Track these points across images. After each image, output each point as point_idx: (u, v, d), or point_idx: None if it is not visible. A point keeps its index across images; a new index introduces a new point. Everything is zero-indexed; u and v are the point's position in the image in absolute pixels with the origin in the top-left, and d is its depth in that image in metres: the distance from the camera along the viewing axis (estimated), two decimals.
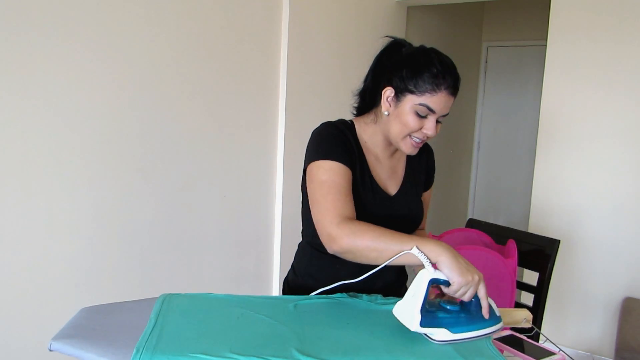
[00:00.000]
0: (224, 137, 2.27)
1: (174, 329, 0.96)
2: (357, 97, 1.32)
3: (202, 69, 2.12)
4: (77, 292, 1.75)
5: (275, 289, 2.62)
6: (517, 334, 1.13)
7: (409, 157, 1.36)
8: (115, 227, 1.85)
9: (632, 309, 2.56)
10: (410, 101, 1.16)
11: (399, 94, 1.18)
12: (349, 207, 1.14)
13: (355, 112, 1.34)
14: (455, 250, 1.04)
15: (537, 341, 1.26)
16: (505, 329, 1.16)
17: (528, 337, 1.13)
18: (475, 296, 1.04)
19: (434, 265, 1.03)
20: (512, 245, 1.92)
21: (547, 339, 1.39)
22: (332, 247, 1.11)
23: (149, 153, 1.94)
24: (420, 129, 1.17)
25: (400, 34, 3.27)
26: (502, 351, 1.04)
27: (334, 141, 1.20)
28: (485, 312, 1.02)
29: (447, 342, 0.98)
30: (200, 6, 2.07)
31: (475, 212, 5.16)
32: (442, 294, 1.10)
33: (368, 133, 1.28)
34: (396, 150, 1.32)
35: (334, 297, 1.18)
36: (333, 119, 1.34)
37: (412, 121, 1.16)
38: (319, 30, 2.66)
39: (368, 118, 1.29)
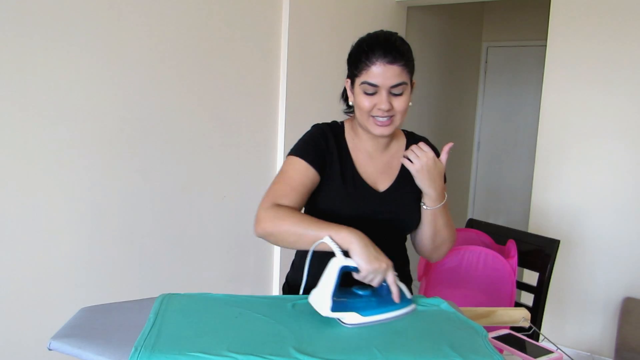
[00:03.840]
0: (224, 137, 2.27)
1: (173, 328, 0.97)
2: (341, 100, 1.37)
3: (202, 68, 2.12)
4: (77, 291, 1.75)
5: (275, 289, 2.62)
6: (515, 333, 1.13)
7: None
8: (115, 227, 1.86)
9: (632, 309, 2.56)
10: (357, 84, 1.22)
11: (352, 82, 1.25)
12: (288, 199, 1.19)
13: (350, 115, 1.37)
14: (367, 238, 1.08)
15: (537, 341, 1.26)
16: (503, 327, 1.16)
17: (527, 336, 1.13)
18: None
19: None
20: (512, 245, 1.92)
21: (545, 337, 1.39)
22: (256, 229, 1.15)
23: (149, 153, 1.95)
24: (375, 107, 1.20)
25: (400, 34, 3.26)
26: (501, 350, 1.04)
27: (308, 141, 1.28)
28: (395, 297, 1.08)
29: (359, 324, 1.03)
30: (200, 6, 2.08)
31: (475, 212, 5.16)
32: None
33: (355, 131, 1.32)
34: (389, 144, 1.33)
35: None
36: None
37: (363, 101, 1.20)
38: (319, 30, 2.66)
39: (354, 116, 1.32)
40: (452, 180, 4.75)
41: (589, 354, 2.86)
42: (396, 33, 1.24)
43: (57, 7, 1.59)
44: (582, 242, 2.82)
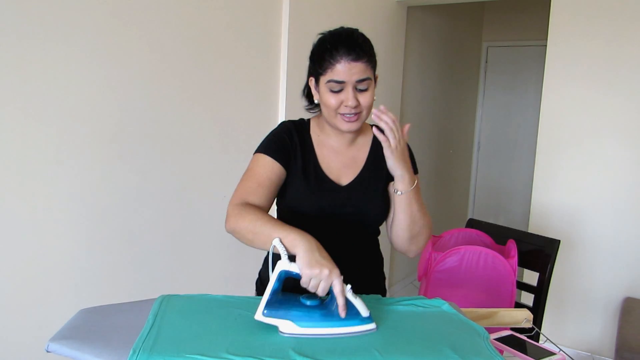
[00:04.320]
0: (224, 137, 2.27)
1: (171, 329, 0.96)
2: (302, 97, 1.38)
3: (202, 69, 2.12)
4: (76, 293, 1.75)
5: None
6: (517, 334, 1.13)
7: (373, 146, 1.35)
8: (114, 228, 1.85)
9: (632, 309, 2.55)
10: (323, 82, 1.22)
11: (317, 81, 1.25)
12: (255, 196, 1.21)
13: (311, 112, 1.39)
14: (317, 243, 1.03)
15: (538, 341, 1.25)
16: (505, 329, 1.15)
17: (528, 337, 1.13)
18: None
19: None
20: (512, 245, 1.91)
21: (548, 339, 1.39)
22: (225, 225, 1.17)
23: (148, 153, 1.94)
24: (342, 104, 1.21)
25: (400, 34, 3.26)
26: (501, 351, 1.04)
27: (272, 138, 1.31)
28: (340, 309, 0.98)
29: (295, 335, 0.96)
30: (200, 6, 2.07)
31: (475, 212, 5.16)
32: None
33: (320, 127, 1.34)
34: (356, 138, 1.34)
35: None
36: None
37: (330, 99, 1.21)
38: (319, 30, 2.65)
39: (320, 113, 1.33)
40: (452, 180, 4.77)
41: (589, 354, 2.86)
42: (357, 30, 1.25)
43: (57, 9, 1.59)
44: (582, 242, 2.81)
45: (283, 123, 1.36)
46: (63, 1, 1.61)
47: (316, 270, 0.98)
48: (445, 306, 1.16)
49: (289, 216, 1.29)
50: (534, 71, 4.65)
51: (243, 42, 2.30)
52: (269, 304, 0.98)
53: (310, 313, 0.99)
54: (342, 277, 1.00)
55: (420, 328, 1.04)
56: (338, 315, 0.99)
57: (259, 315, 0.98)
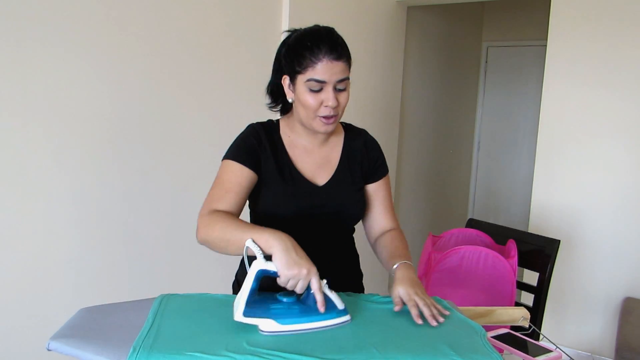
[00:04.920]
0: (224, 137, 2.26)
1: (171, 328, 0.97)
2: (266, 94, 1.35)
3: (202, 69, 2.12)
4: (76, 292, 1.75)
5: None
6: (515, 333, 1.13)
7: (345, 145, 1.34)
8: (114, 227, 1.86)
9: (632, 309, 2.55)
10: (301, 81, 1.18)
11: (292, 79, 1.21)
12: (224, 202, 1.18)
13: (273, 110, 1.38)
14: (292, 241, 1.03)
15: (537, 340, 1.26)
16: (503, 327, 1.16)
17: (526, 335, 1.13)
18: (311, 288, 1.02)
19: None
20: (512, 245, 1.92)
21: (545, 337, 1.39)
22: (196, 238, 1.14)
23: (148, 153, 1.95)
24: (321, 104, 1.18)
25: (400, 34, 3.27)
26: (500, 350, 1.04)
27: (240, 143, 1.28)
28: (319, 305, 1.00)
29: (275, 332, 0.97)
30: (200, 6, 2.08)
31: (475, 212, 5.16)
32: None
33: (291, 127, 1.31)
34: (328, 137, 1.33)
35: None
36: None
37: (309, 99, 1.18)
38: None
39: (290, 113, 1.31)
40: (452, 180, 4.77)
41: (589, 354, 2.86)
42: (334, 28, 1.23)
43: (57, 9, 1.59)
44: (582, 242, 2.82)
45: (250, 126, 1.32)
46: (61, 1, 1.61)
47: (295, 271, 0.99)
48: (443, 304, 1.16)
49: (265, 220, 1.25)
50: (534, 71, 4.65)
51: (243, 42, 2.31)
52: (247, 304, 0.98)
53: (289, 310, 1.01)
54: (318, 274, 1.02)
55: (417, 326, 1.05)
56: (316, 309, 1.01)
57: (238, 316, 0.97)
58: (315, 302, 1.01)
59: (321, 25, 1.23)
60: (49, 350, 0.92)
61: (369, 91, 3.02)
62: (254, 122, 1.34)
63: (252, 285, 0.99)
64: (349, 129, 1.39)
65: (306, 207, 1.26)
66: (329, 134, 1.31)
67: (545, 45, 2.83)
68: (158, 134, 1.98)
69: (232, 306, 1.00)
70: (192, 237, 2.18)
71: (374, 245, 1.38)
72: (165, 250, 2.06)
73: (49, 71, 1.60)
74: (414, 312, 1.07)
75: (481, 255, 1.78)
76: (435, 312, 1.08)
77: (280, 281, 1.01)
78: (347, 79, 1.19)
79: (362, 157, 1.35)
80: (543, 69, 2.84)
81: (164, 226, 2.04)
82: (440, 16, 4.02)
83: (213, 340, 0.93)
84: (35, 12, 1.55)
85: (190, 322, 1.00)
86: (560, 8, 2.75)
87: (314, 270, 1.01)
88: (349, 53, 1.20)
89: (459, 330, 1.04)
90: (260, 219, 1.28)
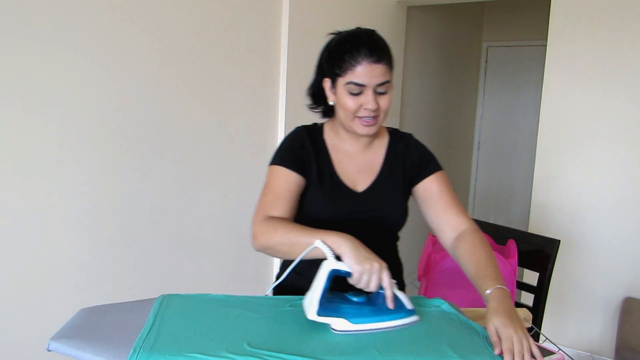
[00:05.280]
0: (224, 137, 2.27)
1: (172, 329, 0.96)
2: (307, 95, 1.35)
3: (202, 68, 2.12)
4: (76, 292, 1.75)
5: None
6: None
7: (389, 150, 1.33)
8: (114, 227, 1.85)
9: (632, 309, 2.55)
10: (341, 84, 1.18)
11: (333, 82, 1.21)
12: (276, 209, 1.18)
13: (314, 111, 1.37)
14: (357, 241, 1.04)
15: (537, 341, 1.25)
16: None
17: None
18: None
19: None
20: (512, 245, 1.91)
21: (547, 338, 1.39)
22: (253, 244, 1.14)
23: (148, 153, 1.94)
24: (361, 107, 1.18)
25: (400, 34, 3.27)
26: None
27: (286, 148, 1.27)
28: (388, 301, 1.02)
29: (348, 332, 0.99)
30: (200, 6, 2.07)
31: (475, 212, 5.16)
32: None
33: (335, 131, 1.31)
34: (372, 141, 1.31)
35: None
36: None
37: (349, 102, 1.18)
38: (319, 30, 2.65)
39: (335, 117, 1.30)
40: (452, 180, 4.76)
41: (589, 354, 2.86)
42: (375, 31, 1.22)
43: (58, 8, 1.59)
44: (582, 242, 2.81)
45: (295, 130, 1.32)
46: (64, 1, 1.61)
47: (367, 266, 1.00)
48: (445, 306, 1.16)
49: (307, 223, 1.22)
50: (534, 71, 4.65)
51: (243, 42, 2.31)
52: (319, 304, 1.00)
53: (360, 309, 1.02)
54: (389, 269, 1.02)
55: (419, 327, 1.05)
56: (386, 309, 1.02)
57: (312, 315, 0.99)
58: (384, 302, 1.02)
59: (363, 27, 1.22)
60: (49, 350, 0.92)
61: None
62: (300, 125, 1.33)
63: (325, 285, 1.00)
64: (394, 133, 1.36)
65: (344, 212, 1.25)
66: (373, 138, 1.30)
67: (545, 45, 2.82)
68: (158, 133, 1.97)
69: (233, 307, 1.00)
70: (193, 237, 2.19)
71: (453, 253, 1.25)
72: (165, 250, 2.06)
73: (49, 71, 1.60)
74: (507, 358, 0.93)
75: None
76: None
77: (353, 279, 1.02)
78: (388, 82, 1.18)
79: (404, 160, 1.32)
80: (543, 69, 2.84)
81: (165, 226, 2.04)
82: (440, 16, 4.02)
83: (214, 341, 0.92)
84: (37, 10, 1.54)
85: (190, 323, 1.00)
86: (560, 8, 2.75)
87: (384, 265, 1.02)
88: (391, 56, 1.19)
89: (461, 331, 1.04)
90: (303, 222, 1.25)
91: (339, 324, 0.99)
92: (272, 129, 2.51)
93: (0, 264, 1.55)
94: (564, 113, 2.80)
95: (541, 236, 2.06)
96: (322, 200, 1.25)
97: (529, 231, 2.55)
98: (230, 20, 2.23)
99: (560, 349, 1.07)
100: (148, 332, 0.94)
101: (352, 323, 1.00)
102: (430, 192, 1.29)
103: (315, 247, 1.04)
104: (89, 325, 0.98)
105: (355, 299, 1.04)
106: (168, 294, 1.14)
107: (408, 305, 1.05)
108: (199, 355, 0.86)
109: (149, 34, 1.89)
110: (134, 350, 0.86)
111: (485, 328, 1.02)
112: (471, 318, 1.15)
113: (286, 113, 2.51)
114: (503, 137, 4.98)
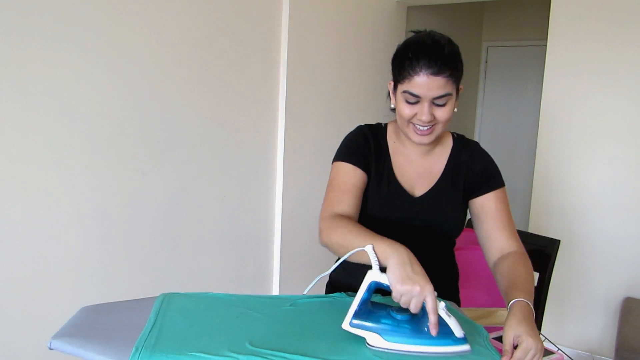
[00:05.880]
0: (224, 137, 2.27)
1: (173, 327, 0.96)
2: (387, 97, 1.31)
3: (202, 69, 2.12)
4: (77, 291, 1.75)
5: (275, 289, 2.62)
6: None
7: (451, 157, 1.29)
8: (115, 226, 1.85)
9: (632, 309, 2.55)
10: (399, 90, 1.17)
11: (395, 86, 1.20)
12: (343, 204, 1.16)
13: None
14: (410, 255, 0.97)
15: None
16: (502, 328, 1.15)
17: None
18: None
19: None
20: None
21: (546, 338, 1.39)
22: (319, 239, 1.13)
23: (148, 153, 1.95)
24: (415, 115, 1.16)
25: (400, 34, 3.27)
26: (500, 350, 1.04)
27: (351, 145, 1.26)
28: (431, 327, 0.93)
29: (382, 349, 0.93)
30: (200, 6, 2.08)
31: None
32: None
33: (397, 133, 1.29)
34: (434, 147, 1.29)
35: (332, 296, 1.18)
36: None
37: (403, 109, 1.16)
38: (319, 31, 2.66)
39: None
40: None
41: (589, 354, 2.86)
42: (446, 37, 1.17)
43: (59, 8, 1.59)
44: (582, 242, 2.82)
45: (359, 128, 1.30)
46: (64, 1, 1.61)
47: (407, 287, 0.92)
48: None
49: (365, 221, 1.20)
50: (534, 71, 4.65)
51: (243, 42, 2.31)
52: (357, 314, 0.95)
53: (400, 327, 0.95)
54: (435, 293, 0.93)
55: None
56: (429, 332, 0.93)
57: (346, 325, 0.95)
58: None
59: (437, 33, 1.18)
60: (50, 349, 0.92)
61: (369, 91, 3.02)
62: (363, 124, 1.32)
63: (364, 297, 0.96)
64: (459, 140, 1.33)
65: (399, 216, 1.24)
66: (435, 144, 1.28)
67: (545, 45, 2.83)
68: (158, 133, 1.98)
69: (234, 306, 1.00)
70: (194, 236, 2.19)
71: (493, 271, 1.23)
72: (166, 250, 2.06)
73: (49, 71, 1.60)
74: None
75: (481, 255, 1.78)
76: None
77: (393, 296, 0.95)
78: (448, 94, 1.13)
79: (466, 170, 1.29)
80: (543, 69, 2.84)
81: (166, 225, 2.04)
82: (440, 16, 4.02)
83: (215, 340, 0.92)
84: (37, 9, 1.55)
85: (192, 322, 1.00)
86: (560, 8, 2.75)
87: (429, 288, 0.93)
88: (456, 66, 1.15)
89: None
90: (361, 220, 1.23)
91: (373, 339, 0.93)
92: (272, 129, 2.51)
93: (2, 263, 1.55)
94: (564, 113, 2.80)
95: (541, 236, 2.06)
96: (378, 201, 1.24)
97: (529, 231, 2.55)
98: (231, 20, 2.23)
99: (560, 349, 1.08)
100: (150, 331, 0.94)
101: (386, 340, 0.93)
102: (486, 209, 1.26)
103: (362, 250, 0.99)
104: (90, 323, 0.98)
105: (398, 316, 0.96)
106: (169, 293, 1.14)
107: (457, 332, 0.94)
108: (201, 354, 0.86)
109: (149, 34, 1.89)
110: (136, 349, 0.87)
111: (487, 329, 1.02)
112: (471, 318, 1.15)
113: (286, 113, 2.51)
114: (503, 137, 4.98)
